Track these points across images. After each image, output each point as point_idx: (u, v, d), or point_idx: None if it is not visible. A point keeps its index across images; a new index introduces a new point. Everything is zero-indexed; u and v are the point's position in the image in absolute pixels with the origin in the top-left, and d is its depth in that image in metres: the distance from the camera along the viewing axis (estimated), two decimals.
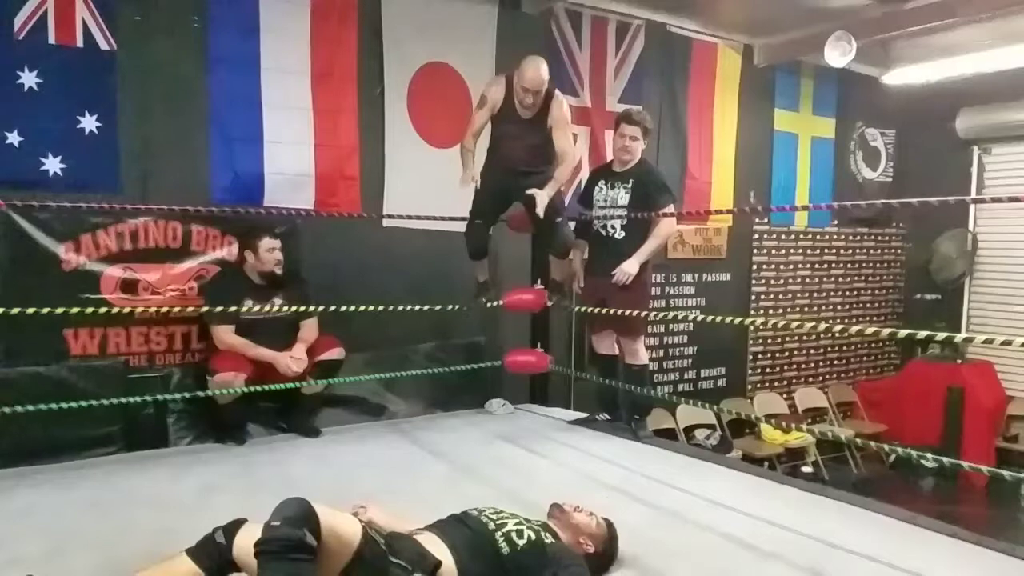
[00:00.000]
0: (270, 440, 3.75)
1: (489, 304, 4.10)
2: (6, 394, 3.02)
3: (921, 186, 6.02)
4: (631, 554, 2.31)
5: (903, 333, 2.22)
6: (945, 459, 2.54)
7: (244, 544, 1.81)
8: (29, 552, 2.20)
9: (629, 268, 3.83)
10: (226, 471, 3.24)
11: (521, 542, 1.97)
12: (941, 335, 2.25)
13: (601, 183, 4.02)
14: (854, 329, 2.48)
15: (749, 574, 2.31)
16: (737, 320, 3.13)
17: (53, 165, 3.48)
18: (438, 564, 1.84)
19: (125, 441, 3.49)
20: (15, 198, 3.15)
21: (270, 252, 3.64)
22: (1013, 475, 2.39)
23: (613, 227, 3.93)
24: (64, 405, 3.02)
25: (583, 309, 4.01)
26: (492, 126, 3.85)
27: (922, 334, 2.26)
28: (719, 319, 3.15)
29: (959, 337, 2.32)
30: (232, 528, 1.87)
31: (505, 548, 1.95)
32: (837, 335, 6.95)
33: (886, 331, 2.42)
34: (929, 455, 2.54)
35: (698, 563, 2.36)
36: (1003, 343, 2.02)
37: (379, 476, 3.17)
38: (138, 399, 3.28)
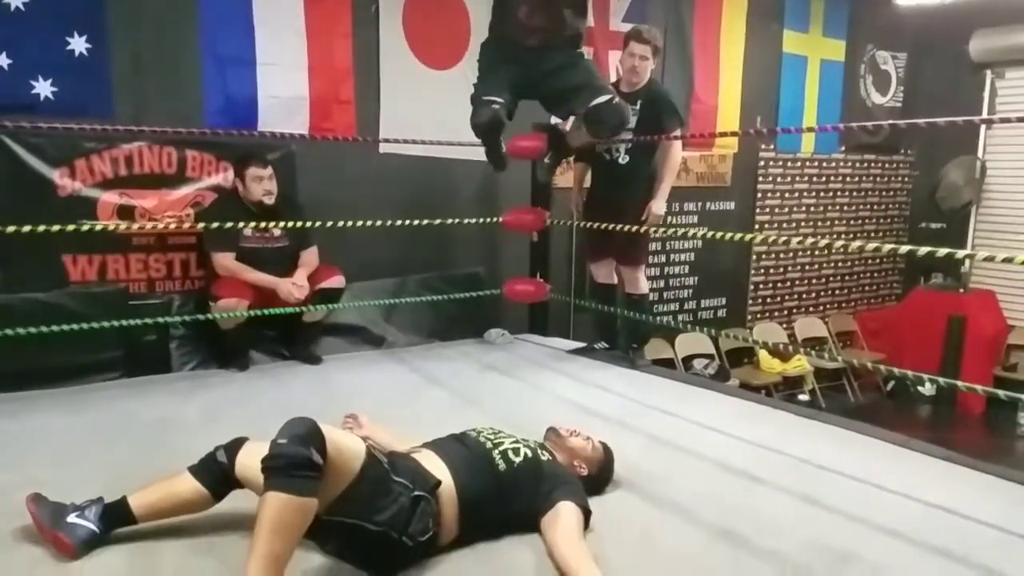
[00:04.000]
0: (272, 367, 3.78)
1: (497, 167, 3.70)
2: (7, 320, 3.03)
3: (931, 112, 5.82)
4: (625, 477, 2.35)
5: (904, 249, 2.20)
6: (940, 379, 2.55)
7: (246, 462, 1.85)
8: (37, 473, 2.24)
9: (658, 210, 3.76)
10: (229, 395, 3.28)
11: (517, 459, 2.00)
12: (942, 251, 2.22)
13: None
14: (855, 245, 2.46)
15: (741, 496, 2.35)
16: (738, 236, 3.10)
17: (44, 88, 3.40)
18: (438, 483, 1.87)
19: (128, 367, 3.52)
20: (7, 121, 3.09)
21: (257, 182, 3.57)
22: (1008, 395, 2.40)
23: (618, 151, 3.83)
24: (66, 327, 3.04)
25: (584, 225, 3.98)
26: None
27: (923, 250, 2.24)
28: (720, 235, 3.12)
29: (961, 253, 2.29)
30: (233, 447, 1.90)
31: (502, 465, 1.98)
32: (839, 265, 6.95)
33: (887, 247, 2.41)
34: (925, 376, 2.55)
35: (691, 485, 2.40)
36: (1004, 260, 1.99)
37: (379, 402, 3.19)
38: (139, 322, 3.29)
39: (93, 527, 1.83)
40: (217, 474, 1.87)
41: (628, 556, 1.83)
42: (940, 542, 2.04)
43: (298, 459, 1.58)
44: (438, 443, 2.09)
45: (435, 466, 1.94)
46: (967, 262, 6.45)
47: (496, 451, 2.01)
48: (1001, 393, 2.41)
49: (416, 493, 1.80)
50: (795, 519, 2.18)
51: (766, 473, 2.49)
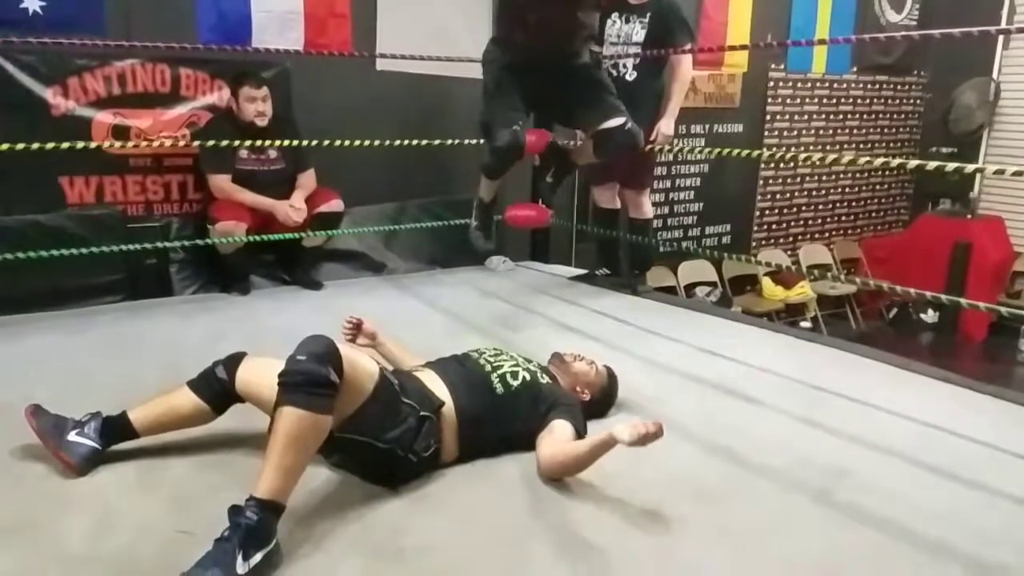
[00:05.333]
0: (274, 291, 3.78)
1: (486, 239, 3.40)
2: (6, 242, 3.01)
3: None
4: (626, 400, 2.36)
5: (913, 164, 2.14)
6: (944, 296, 2.52)
7: (247, 377, 1.87)
8: (40, 392, 2.24)
9: (667, 130, 3.66)
10: (231, 318, 3.29)
11: (515, 383, 2.01)
12: (951, 165, 2.17)
13: (615, 16, 3.73)
14: (862, 161, 2.40)
15: (740, 416, 2.38)
16: (745, 152, 3.01)
17: (32, 3, 3.28)
18: (441, 404, 1.90)
19: (129, 290, 3.52)
20: None
21: (250, 102, 3.49)
22: (1010, 311, 2.38)
23: (625, 66, 3.69)
24: (66, 252, 3.03)
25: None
26: None
27: (931, 165, 2.19)
28: (727, 151, 3.03)
29: (970, 168, 2.24)
30: (232, 362, 1.92)
31: (499, 388, 1.99)
32: (846, 191, 6.86)
33: (895, 162, 2.34)
34: (928, 295, 2.52)
35: (690, 406, 2.42)
36: (1014, 174, 1.94)
37: (380, 327, 3.18)
38: (139, 247, 3.29)
39: (94, 444, 1.85)
40: (216, 389, 1.89)
41: (627, 473, 1.85)
42: (933, 459, 2.06)
43: (315, 376, 1.59)
44: (440, 363, 2.11)
45: (437, 387, 1.96)
46: (976, 187, 6.35)
47: (495, 374, 2.02)
48: (1003, 310, 2.39)
49: (423, 413, 1.83)
50: (792, 437, 2.21)
51: (765, 394, 2.51)
